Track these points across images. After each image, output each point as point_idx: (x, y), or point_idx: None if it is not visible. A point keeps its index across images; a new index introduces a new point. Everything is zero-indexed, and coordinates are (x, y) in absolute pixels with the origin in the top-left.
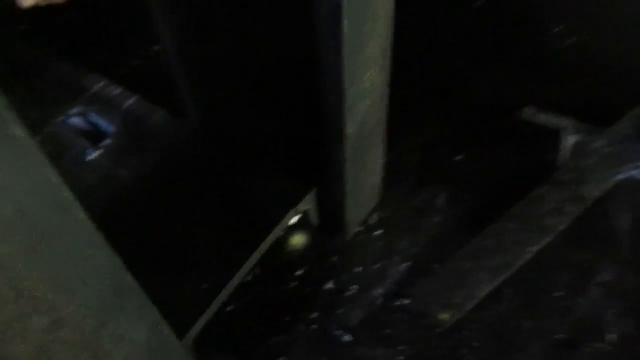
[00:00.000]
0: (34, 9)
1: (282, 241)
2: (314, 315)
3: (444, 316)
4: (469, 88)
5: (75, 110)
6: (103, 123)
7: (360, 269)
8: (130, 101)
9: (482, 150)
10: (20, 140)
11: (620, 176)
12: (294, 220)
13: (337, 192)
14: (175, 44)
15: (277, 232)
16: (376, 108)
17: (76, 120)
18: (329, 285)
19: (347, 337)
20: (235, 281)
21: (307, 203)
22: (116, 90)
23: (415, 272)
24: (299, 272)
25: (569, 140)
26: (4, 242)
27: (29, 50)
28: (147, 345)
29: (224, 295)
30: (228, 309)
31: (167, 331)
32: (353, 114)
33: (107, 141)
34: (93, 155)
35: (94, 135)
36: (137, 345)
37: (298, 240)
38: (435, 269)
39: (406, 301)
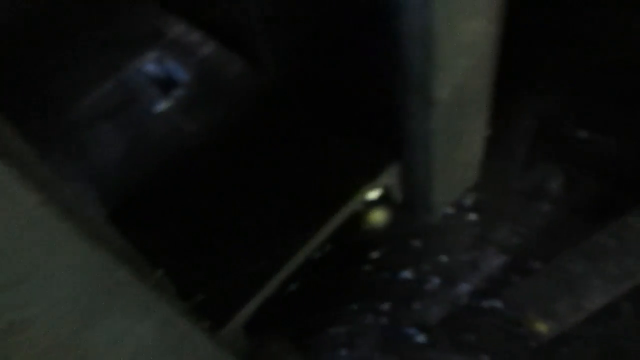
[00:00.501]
0: None
1: (359, 217)
2: (386, 306)
3: (542, 327)
4: (609, 40)
5: (150, 55)
6: (178, 71)
7: (445, 258)
8: (208, 49)
9: (614, 125)
10: None
11: None
12: (374, 195)
13: (423, 167)
14: None
15: (352, 206)
16: (480, 70)
17: (150, 67)
18: (407, 273)
19: (421, 338)
20: (298, 258)
21: (390, 177)
22: (194, 37)
23: (512, 269)
24: (374, 255)
25: None
26: None
27: None
28: (157, 345)
29: (283, 274)
30: (290, 287)
31: (186, 326)
32: (447, 74)
33: (179, 91)
34: (163, 105)
35: (167, 84)
36: (144, 347)
37: (377, 217)
38: (538, 268)
39: (497, 303)
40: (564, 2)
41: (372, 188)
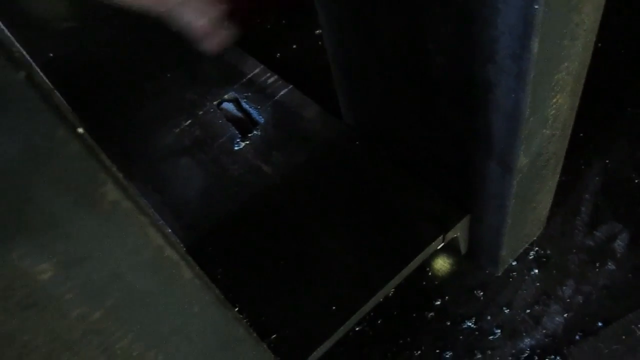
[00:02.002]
0: None
1: (423, 263)
2: (448, 354)
3: None
4: None
5: (229, 95)
6: (254, 112)
7: (508, 311)
8: (284, 91)
9: None
10: (118, 204)
11: None
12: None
13: (495, 225)
14: (334, 37)
15: (422, 257)
16: (557, 137)
17: (229, 107)
18: (470, 323)
19: None
20: (368, 306)
21: (458, 229)
22: (271, 78)
23: (575, 327)
24: (437, 302)
25: None
26: (96, 307)
27: None
28: None
29: (354, 320)
30: (353, 329)
31: None
32: (529, 145)
33: (256, 132)
34: (241, 145)
35: (244, 124)
36: None
37: (441, 265)
38: (601, 328)
39: None
40: (632, 64)
41: (442, 241)
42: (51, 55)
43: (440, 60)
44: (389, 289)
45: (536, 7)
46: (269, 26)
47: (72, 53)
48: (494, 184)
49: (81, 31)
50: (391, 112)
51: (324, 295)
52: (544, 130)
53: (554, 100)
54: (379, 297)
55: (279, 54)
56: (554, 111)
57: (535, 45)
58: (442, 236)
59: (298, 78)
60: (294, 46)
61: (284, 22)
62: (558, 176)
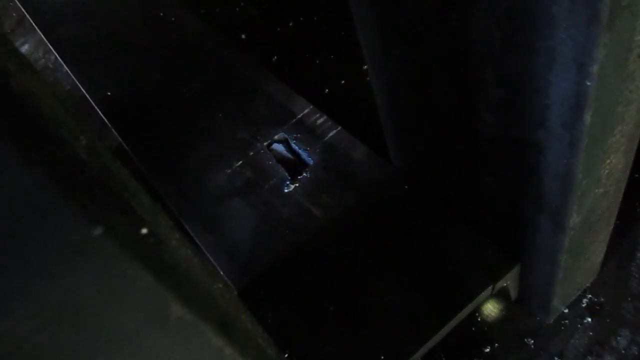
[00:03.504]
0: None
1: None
2: None
3: None
4: None
5: (279, 136)
6: (304, 153)
7: None
8: (333, 132)
9: None
10: (182, 320)
11: None
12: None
13: (545, 276)
14: (384, 87)
15: (471, 307)
16: (611, 193)
17: (279, 148)
18: None
19: None
20: (418, 356)
21: (508, 279)
22: (321, 119)
23: None
24: (487, 349)
25: None
26: None
27: (246, 69)
28: None
29: None
30: None
31: None
32: (581, 205)
33: (305, 174)
34: (291, 187)
35: (294, 165)
36: None
37: (491, 310)
38: None
39: None
40: None
41: (492, 291)
42: (109, 93)
43: (490, 119)
44: (438, 338)
45: (588, 83)
46: (317, 61)
47: (128, 91)
48: (545, 238)
49: (137, 69)
50: (441, 160)
51: (373, 343)
52: (597, 190)
53: (607, 162)
54: (427, 346)
55: (327, 90)
56: (607, 171)
57: (587, 117)
58: (491, 286)
59: (346, 115)
60: (342, 82)
61: (332, 56)
62: (612, 227)
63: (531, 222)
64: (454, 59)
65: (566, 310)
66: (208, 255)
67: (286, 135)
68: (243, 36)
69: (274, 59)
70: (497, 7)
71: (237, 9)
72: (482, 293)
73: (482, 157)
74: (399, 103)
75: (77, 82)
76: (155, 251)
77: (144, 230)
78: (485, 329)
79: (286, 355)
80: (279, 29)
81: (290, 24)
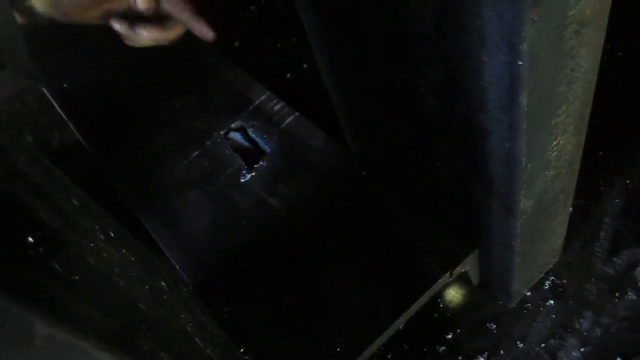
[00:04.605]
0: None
1: (434, 294)
2: None
3: None
4: None
5: (236, 124)
6: (261, 141)
7: (522, 345)
8: (290, 118)
9: None
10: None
11: None
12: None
13: (503, 260)
14: (331, 71)
15: (429, 294)
16: (564, 174)
17: (236, 136)
18: (482, 358)
19: None
20: (376, 345)
21: (466, 264)
22: (278, 105)
23: None
24: (449, 336)
25: None
26: None
27: (205, 56)
28: None
29: (362, 358)
30: None
31: None
32: (530, 188)
33: (262, 163)
34: (247, 177)
35: (251, 154)
36: None
37: (453, 296)
38: None
39: None
40: None
41: (450, 277)
42: (65, 86)
43: (433, 103)
44: (397, 326)
45: (520, 63)
46: (279, 45)
47: (85, 83)
48: (498, 223)
49: (94, 60)
50: (394, 145)
51: (332, 333)
52: (547, 172)
53: (555, 143)
54: (386, 335)
55: (289, 75)
56: (555, 153)
57: (524, 99)
58: (449, 272)
59: (308, 101)
60: (305, 65)
61: (294, 40)
62: (570, 208)
63: (484, 208)
64: (393, 41)
65: (529, 294)
66: (164, 250)
67: (243, 123)
68: None
69: (235, 44)
70: None
71: None
72: (440, 280)
73: (431, 142)
74: (347, 89)
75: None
76: (36, 262)
77: (30, 239)
78: (448, 315)
79: (242, 350)
80: (240, 13)
81: (252, 8)
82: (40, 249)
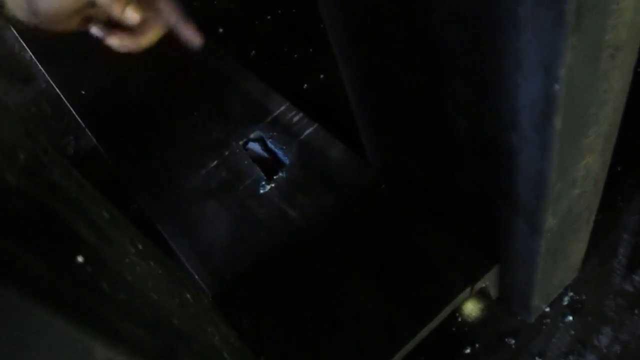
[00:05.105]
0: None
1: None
2: None
3: None
4: None
5: (254, 134)
6: (279, 152)
7: None
8: (310, 130)
9: None
10: None
11: None
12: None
13: (524, 276)
14: (355, 84)
15: (450, 309)
16: (589, 193)
17: (255, 146)
18: None
19: None
20: (399, 357)
21: (487, 279)
22: (297, 116)
23: None
24: (467, 350)
25: None
26: None
27: (223, 66)
28: None
29: None
30: None
31: None
32: (557, 207)
33: (281, 174)
34: (266, 188)
35: (270, 165)
36: None
37: (471, 309)
38: None
39: None
40: None
41: (471, 292)
42: (83, 92)
43: (461, 119)
44: (416, 342)
45: (557, 87)
46: (296, 55)
47: (103, 90)
48: (522, 240)
49: (111, 68)
50: (416, 159)
51: (350, 347)
52: (573, 191)
53: (583, 163)
54: (405, 350)
55: (306, 85)
56: (583, 172)
57: (558, 121)
58: (470, 287)
59: (325, 111)
60: (322, 76)
61: (311, 50)
62: (592, 225)
63: (508, 224)
64: (422, 58)
65: (548, 309)
66: (183, 259)
67: (262, 134)
68: (220, 30)
69: (252, 54)
70: (464, 7)
71: (215, 1)
72: (460, 295)
73: (456, 157)
74: (371, 101)
75: (51, 81)
76: (87, 283)
77: (80, 259)
78: (466, 329)
79: None
80: (257, 22)
81: (269, 17)
82: (89, 268)
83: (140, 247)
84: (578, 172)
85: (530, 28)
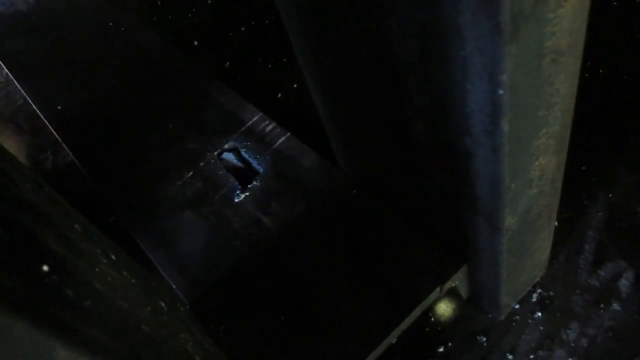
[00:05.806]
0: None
1: (425, 310)
2: None
3: None
4: None
5: (229, 144)
6: (254, 161)
7: (511, 356)
8: (282, 139)
9: None
10: None
11: None
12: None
13: (491, 275)
14: (321, 93)
15: (420, 310)
16: (547, 192)
17: (229, 156)
18: None
19: None
20: (374, 355)
21: (456, 279)
22: (270, 126)
23: None
24: (440, 349)
25: None
26: None
27: (197, 78)
28: None
29: None
30: None
31: None
32: (514, 206)
33: (255, 183)
34: (241, 197)
35: (245, 174)
36: None
37: (444, 309)
38: None
39: None
40: (634, 91)
41: (440, 292)
42: (59, 108)
43: (420, 125)
44: (389, 341)
45: (501, 92)
46: (269, 65)
47: (79, 105)
48: (485, 240)
49: (87, 82)
50: (384, 165)
51: (325, 349)
52: (530, 190)
53: (537, 163)
54: (379, 350)
55: (279, 94)
56: (538, 172)
57: (505, 124)
58: (439, 287)
59: (298, 120)
60: (295, 85)
61: (284, 59)
62: (555, 223)
63: (471, 225)
64: (380, 68)
65: (517, 306)
66: (160, 269)
67: (236, 144)
68: (195, 43)
69: (226, 65)
70: (412, 19)
71: (190, 14)
72: (430, 295)
73: (419, 162)
74: (337, 112)
75: (28, 97)
76: (51, 290)
77: (45, 268)
78: (439, 328)
79: None
80: (231, 34)
81: (242, 29)
82: (54, 277)
83: (113, 257)
84: (533, 172)
85: (473, 37)
